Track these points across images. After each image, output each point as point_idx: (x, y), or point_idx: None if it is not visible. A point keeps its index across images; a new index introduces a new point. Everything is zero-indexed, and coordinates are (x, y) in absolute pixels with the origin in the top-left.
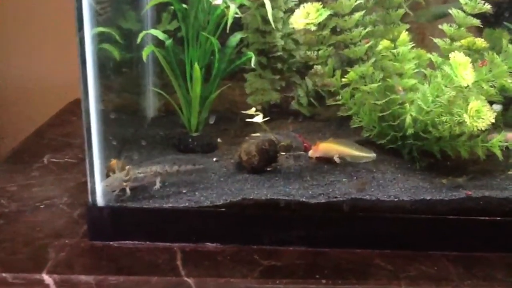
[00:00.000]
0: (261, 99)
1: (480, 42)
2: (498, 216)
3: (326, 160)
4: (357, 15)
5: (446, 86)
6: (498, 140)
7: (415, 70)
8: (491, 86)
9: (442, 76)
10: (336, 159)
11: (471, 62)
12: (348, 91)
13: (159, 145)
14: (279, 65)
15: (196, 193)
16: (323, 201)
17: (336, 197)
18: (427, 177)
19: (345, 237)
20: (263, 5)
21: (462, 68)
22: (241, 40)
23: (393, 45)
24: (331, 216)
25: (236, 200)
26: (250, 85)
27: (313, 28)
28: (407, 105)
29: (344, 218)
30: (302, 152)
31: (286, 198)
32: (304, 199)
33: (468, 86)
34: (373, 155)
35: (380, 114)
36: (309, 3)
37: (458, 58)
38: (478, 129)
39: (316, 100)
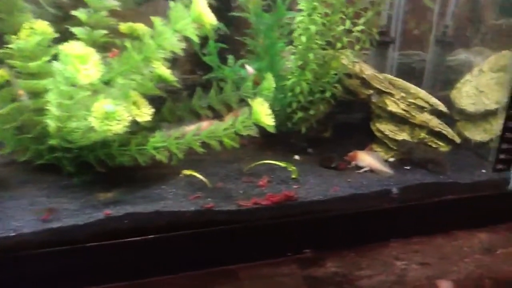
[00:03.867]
0: None
1: (142, 27)
2: (151, 234)
3: None
4: None
5: (73, 85)
6: (155, 141)
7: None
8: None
9: (59, 73)
10: None
11: None
12: None
13: None
14: None
15: None
16: None
17: None
18: (83, 195)
19: None
20: None
21: (79, 62)
22: None
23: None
24: None
25: None
26: None
27: None
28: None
29: None
30: None
31: None
32: None
33: (91, 83)
34: None
35: (7, 126)
36: None
37: (74, 50)
38: (114, 133)
39: None
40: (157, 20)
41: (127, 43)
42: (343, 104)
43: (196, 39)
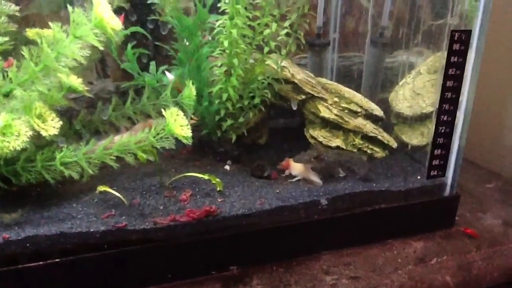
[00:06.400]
0: None
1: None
2: (56, 258)
3: None
4: None
5: None
6: (63, 157)
7: None
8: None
9: None
10: None
11: None
12: None
13: None
14: None
15: None
16: None
17: None
18: None
19: None
20: None
21: None
22: None
23: None
24: None
25: None
26: None
27: None
28: None
29: None
30: None
31: None
32: None
33: None
34: None
35: None
36: None
37: None
38: (14, 149)
39: None
40: (55, 26)
41: (25, 51)
42: (281, 109)
43: (99, 46)
